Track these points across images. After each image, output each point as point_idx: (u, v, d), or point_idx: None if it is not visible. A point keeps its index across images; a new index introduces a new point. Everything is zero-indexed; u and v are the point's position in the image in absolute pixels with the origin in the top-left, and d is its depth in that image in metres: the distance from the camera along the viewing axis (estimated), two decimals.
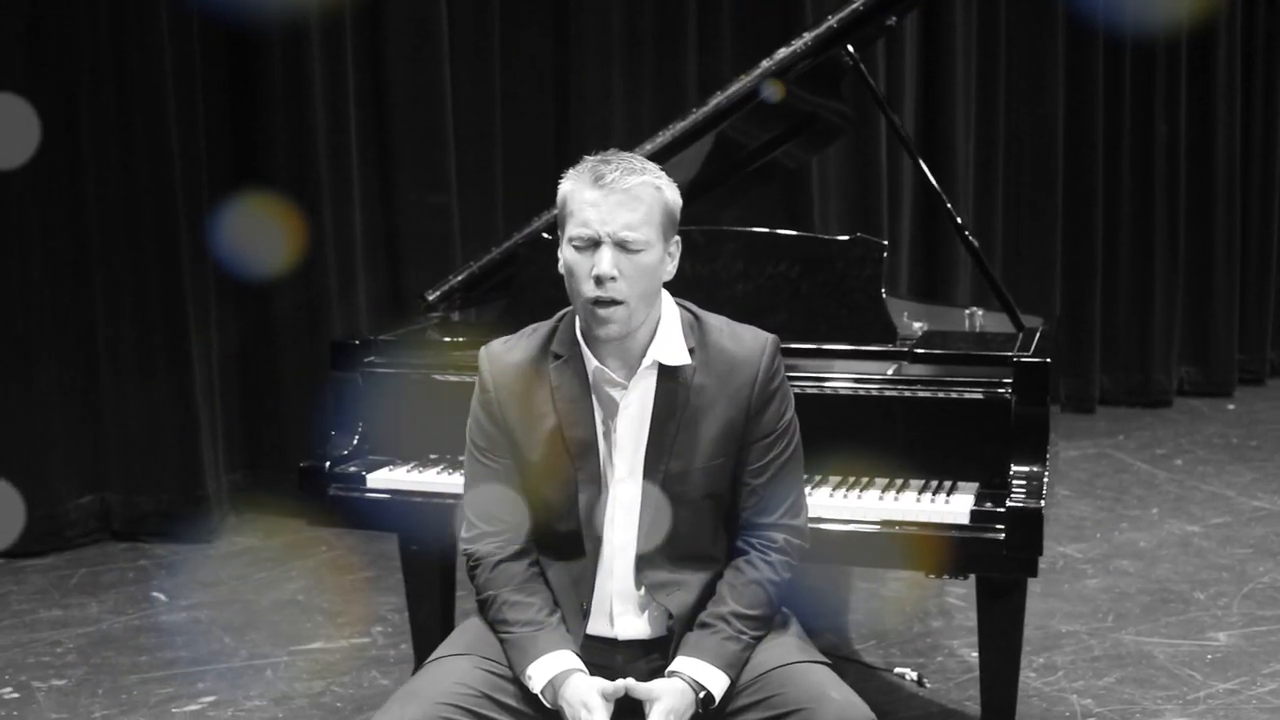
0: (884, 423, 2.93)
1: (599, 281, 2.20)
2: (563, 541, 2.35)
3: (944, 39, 6.56)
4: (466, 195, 5.64)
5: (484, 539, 2.37)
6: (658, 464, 2.30)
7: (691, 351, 2.32)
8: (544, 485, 2.33)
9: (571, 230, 2.24)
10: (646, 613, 2.34)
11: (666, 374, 2.31)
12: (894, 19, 3.54)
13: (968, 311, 3.55)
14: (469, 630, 2.38)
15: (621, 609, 2.34)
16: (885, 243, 3.11)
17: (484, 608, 2.36)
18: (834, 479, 2.92)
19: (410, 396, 3.16)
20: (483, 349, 2.41)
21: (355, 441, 3.20)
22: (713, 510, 2.34)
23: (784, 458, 2.34)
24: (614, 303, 2.21)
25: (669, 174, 2.31)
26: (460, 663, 2.27)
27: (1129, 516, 5.30)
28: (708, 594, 2.32)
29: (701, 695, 2.21)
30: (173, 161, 5.00)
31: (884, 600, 4.35)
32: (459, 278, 3.65)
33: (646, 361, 2.30)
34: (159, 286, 5.07)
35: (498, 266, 3.62)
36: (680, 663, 2.23)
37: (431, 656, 2.33)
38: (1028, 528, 2.67)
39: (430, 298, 3.68)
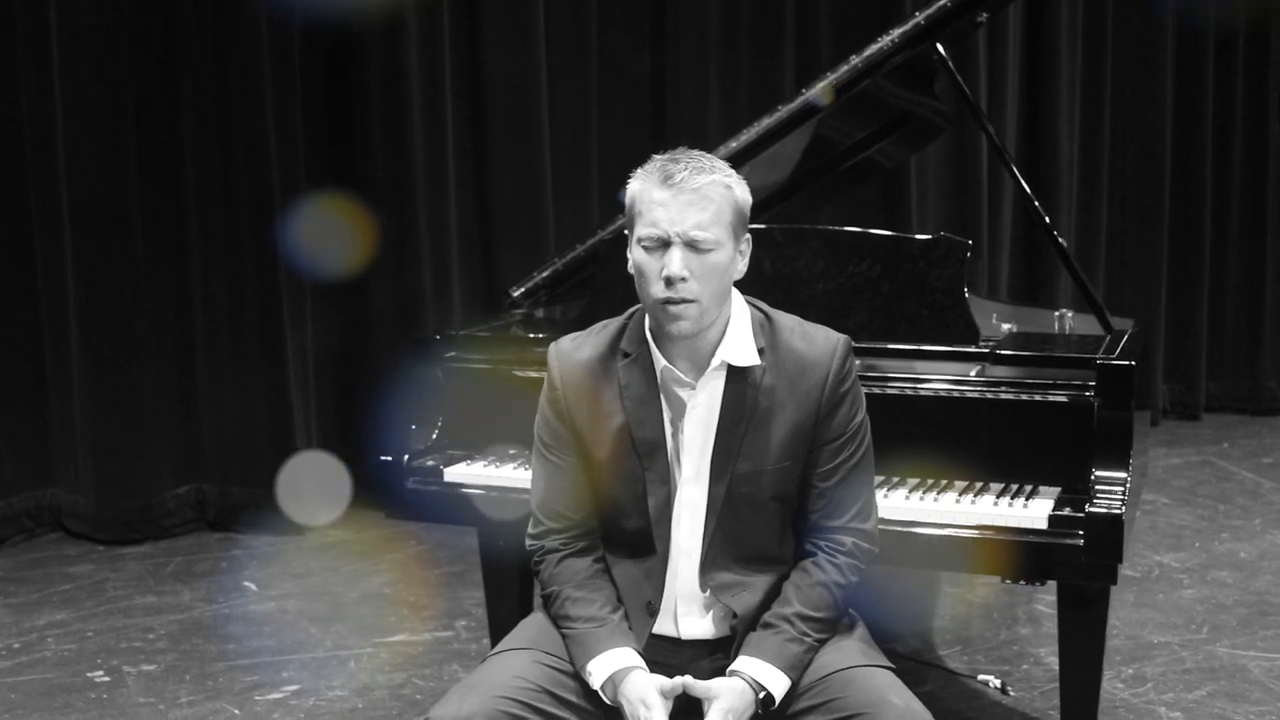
0: (965, 424, 2.88)
1: (669, 282, 2.18)
2: (629, 539, 2.34)
3: (1048, 37, 6.43)
4: (562, 195, 5.66)
5: (549, 535, 2.37)
6: (725, 466, 2.28)
7: (761, 352, 2.30)
8: (611, 484, 2.32)
9: (641, 230, 2.23)
10: (711, 613, 2.32)
11: (735, 375, 2.29)
12: (984, 15, 3.47)
13: (1057, 313, 3.47)
14: (532, 625, 2.38)
15: (686, 609, 2.32)
16: (969, 242, 3.06)
17: (548, 603, 2.36)
18: (912, 481, 2.89)
19: (488, 391, 3.18)
20: (552, 346, 2.41)
21: (434, 436, 3.23)
22: (780, 512, 2.31)
23: (854, 461, 2.31)
24: (685, 301, 2.19)
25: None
26: (521, 657, 2.27)
27: (1230, 526, 5.15)
28: (773, 595, 2.29)
29: (761, 696, 2.18)
30: (270, 161, 5.09)
31: (971, 606, 4.28)
32: (543, 274, 3.66)
33: (715, 362, 2.28)
34: (255, 284, 5.16)
35: (582, 264, 3.62)
36: (742, 662, 2.21)
37: (494, 650, 2.34)
38: (1107, 534, 2.60)
39: (515, 294, 3.69)
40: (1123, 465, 2.71)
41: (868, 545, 2.32)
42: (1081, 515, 2.63)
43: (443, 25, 5.33)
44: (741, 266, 2.30)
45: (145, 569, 4.83)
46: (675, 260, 2.18)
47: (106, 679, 3.85)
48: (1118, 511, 2.61)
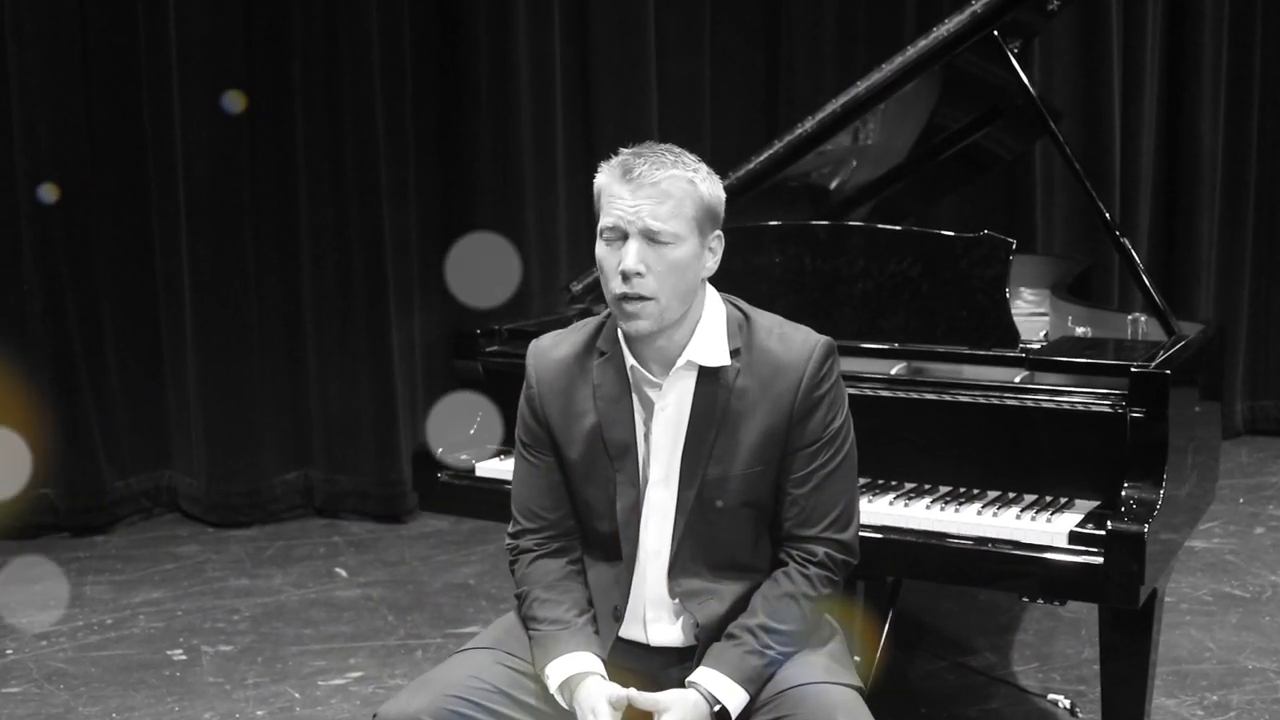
0: (999, 432, 2.75)
1: (625, 277, 2.13)
2: (602, 542, 2.29)
3: (1191, 27, 6.08)
4: None
5: (524, 535, 2.34)
6: (695, 469, 2.21)
7: (736, 353, 2.23)
8: (584, 485, 2.28)
9: (601, 223, 2.18)
10: (681, 620, 2.25)
11: (707, 375, 2.22)
12: (1055, 3, 3.31)
13: (1130, 317, 3.29)
14: (501, 625, 2.36)
15: (655, 615, 2.26)
16: (1013, 241, 2.91)
17: (519, 603, 2.33)
18: (944, 489, 2.77)
19: None
20: (532, 343, 2.38)
21: (472, 430, 3.23)
22: (752, 519, 2.23)
23: (829, 468, 2.21)
24: (642, 299, 2.14)
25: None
26: (482, 656, 2.25)
27: None
28: (742, 605, 2.22)
29: (716, 709, 2.11)
30: (378, 156, 5.17)
31: (1059, 621, 4.09)
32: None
33: (681, 361, 2.21)
34: (363, 274, 5.26)
35: None
36: (699, 674, 2.15)
37: (461, 648, 2.32)
38: (1126, 553, 2.44)
39: (575, 289, 3.67)
40: (1155, 480, 2.55)
41: (843, 556, 2.23)
42: (1102, 533, 2.48)
43: (553, 19, 5.34)
44: (711, 264, 2.23)
45: (246, 551, 4.97)
46: (630, 254, 2.13)
47: (184, 658, 3.98)
48: (1138, 530, 2.44)
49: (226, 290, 5.19)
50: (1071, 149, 3.20)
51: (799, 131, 3.37)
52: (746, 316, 2.27)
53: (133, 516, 5.31)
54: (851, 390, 2.82)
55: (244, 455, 5.27)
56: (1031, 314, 3.84)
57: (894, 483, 2.82)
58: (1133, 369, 2.60)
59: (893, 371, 2.91)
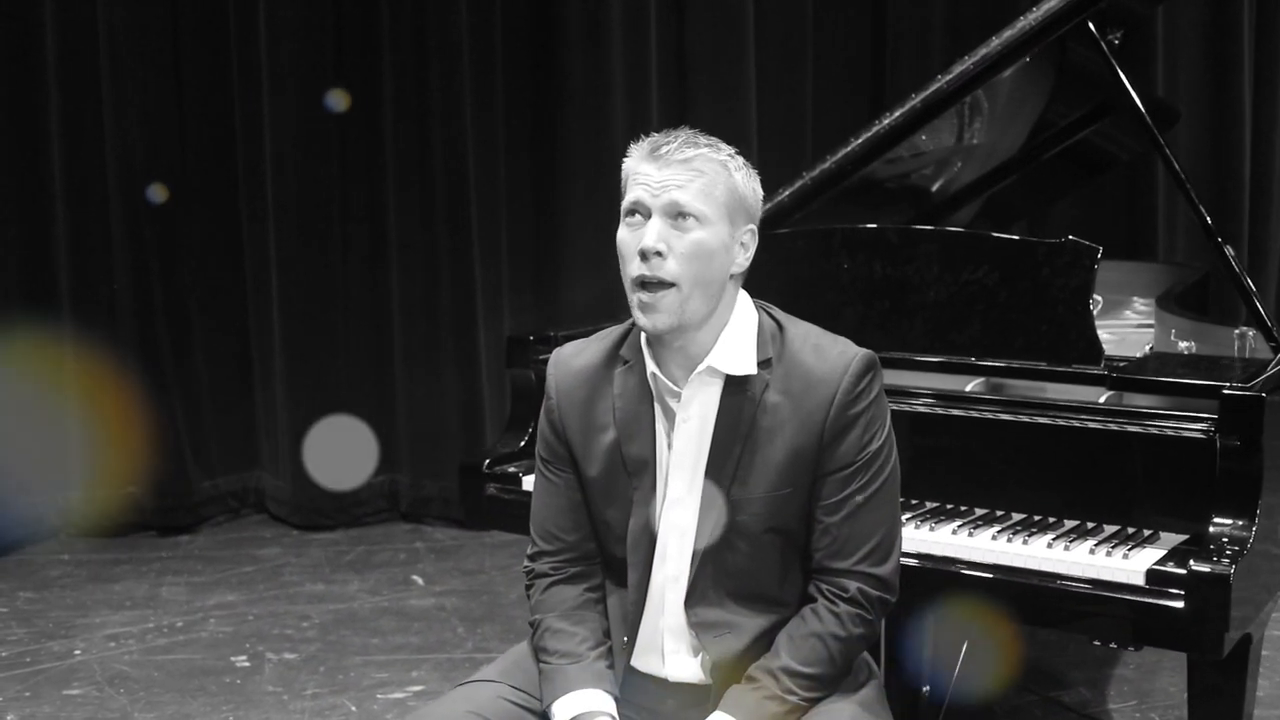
0: (1078, 456, 2.52)
1: (644, 257, 1.96)
2: (622, 566, 2.12)
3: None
4: (770, 195, 5.40)
5: (541, 558, 2.18)
6: (718, 488, 2.03)
7: (767, 363, 2.04)
8: (604, 504, 2.12)
9: (624, 203, 2.02)
10: (702, 654, 2.07)
11: (733, 386, 2.03)
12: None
13: (1238, 332, 3.01)
14: (511, 655, 2.20)
15: (674, 647, 2.08)
16: (1099, 248, 2.67)
17: (532, 632, 2.17)
18: (1018, 517, 2.55)
19: None
20: (554, 351, 2.22)
21: (524, 442, 3.09)
22: (778, 547, 2.04)
23: (864, 495, 2.01)
24: (661, 285, 1.96)
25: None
26: (484, 690, 2.09)
27: None
28: (766, 643, 2.03)
29: None
30: (467, 156, 5.07)
31: (1163, 655, 3.79)
32: None
33: (702, 367, 2.03)
34: (450, 279, 5.17)
35: None
36: (712, 719, 1.96)
37: (465, 680, 2.17)
38: (1209, 596, 2.20)
39: None
40: (1248, 514, 2.30)
41: (878, 593, 2.02)
42: (1183, 572, 2.24)
43: (649, 13, 5.18)
44: (742, 260, 2.04)
45: (326, 556, 4.90)
46: (651, 231, 1.97)
47: (247, 664, 3.91)
48: (1223, 571, 2.20)
49: (314, 291, 5.14)
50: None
51: (876, 129, 3.16)
52: (780, 325, 2.08)
53: (219, 517, 5.30)
54: (915, 408, 2.66)
55: (329, 458, 5.20)
56: (1140, 325, 3.59)
57: (962, 509, 2.61)
58: (1225, 390, 2.34)
59: (968, 388, 2.70)
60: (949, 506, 2.63)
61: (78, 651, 4.01)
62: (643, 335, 2.08)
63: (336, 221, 5.14)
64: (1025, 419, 2.57)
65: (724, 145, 2.03)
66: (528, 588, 2.20)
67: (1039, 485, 2.56)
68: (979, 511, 2.61)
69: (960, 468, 2.64)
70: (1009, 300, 2.73)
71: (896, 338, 2.82)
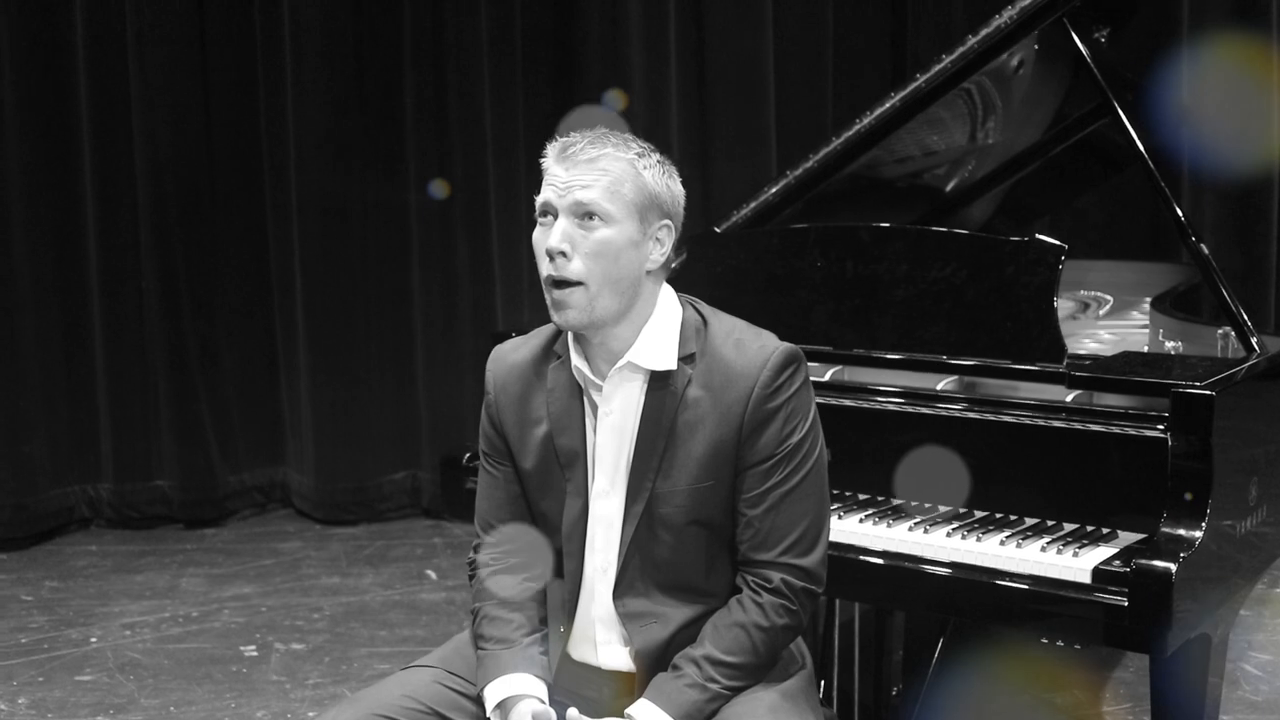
0: (1037, 455, 2.52)
1: (551, 257, 2.00)
2: (560, 557, 2.16)
3: None
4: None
5: (483, 549, 2.22)
6: (642, 481, 2.05)
7: (690, 358, 2.06)
8: (539, 496, 2.15)
9: (537, 204, 2.06)
10: (633, 642, 2.10)
11: (657, 382, 2.06)
12: None
13: (1220, 331, 2.99)
14: (451, 643, 2.24)
15: (606, 637, 2.11)
16: (1064, 246, 2.66)
17: (471, 619, 2.21)
18: (980, 514, 2.56)
19: None
20: (495, 348, 2.26)
21: None
22: (702, 539, 2.06)
23: (786, 487, 2.03)
24: (568, 283, 2.00)
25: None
26: (421, 675, 2.14)
27: None
28: (693, 634, 2.06)
29: None
30: (486, 158, 5.14)
31: None
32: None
33: (622, 362, 2.06)
34: (469, 276, 5.23)
35: None
36: (636, 707, 1.99)
37: (405, 665, 2.21)
38: (1150, 593, 2.19)
39: None
40: (1197, 514, 2.29)
41: (802, 584, 2.04)
42: (1127, 570, 2.24)
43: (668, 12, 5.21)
44: (657, 256, 2.06)
45: (345, 550, 4.98)
46: (556, 231, 2.00)
47: (255, 654, 3.99)
48: (1165, 568, 2.19)
49: (338, 289, 5.22)
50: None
51: (856, 127, 3.18)
52: (705, 320, 2.10)
53: (245, 511, 5.40)
54: (879, 405, 2.67)
55: (353, 454, 5.29)
56: (1144, 325, 3.57)
57: (925, 505, 2.62)
58: (1175, 389, 2.33)
59: (939, 386, 2.70)
60: (913, 504, 2.64)
61: (94, 639, 4.11)
62: (569, 332, 2.11)
63: (358, 221, 5.21)
64: (990, 417, 2.57)
65: (636, 144, 2.04)
66: (470, 577, 2.24)
67: (1002, 482, 2.56)
68: (942, 509, 2.61)
69: (926, 465, 2.64)
70: (975, 298, 2.73)
71: (866, 335, 2.83)
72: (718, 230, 3.18)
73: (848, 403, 2.72)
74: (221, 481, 5.29)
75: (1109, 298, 3.86)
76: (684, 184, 2.12)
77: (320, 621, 4.25)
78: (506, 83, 5.16)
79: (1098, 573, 2.28)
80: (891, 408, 2.67)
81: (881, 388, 2.71)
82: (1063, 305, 3.57)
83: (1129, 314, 3.72)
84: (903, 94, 3.13)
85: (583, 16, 5.17)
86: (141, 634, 4.15)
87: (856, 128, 3.19)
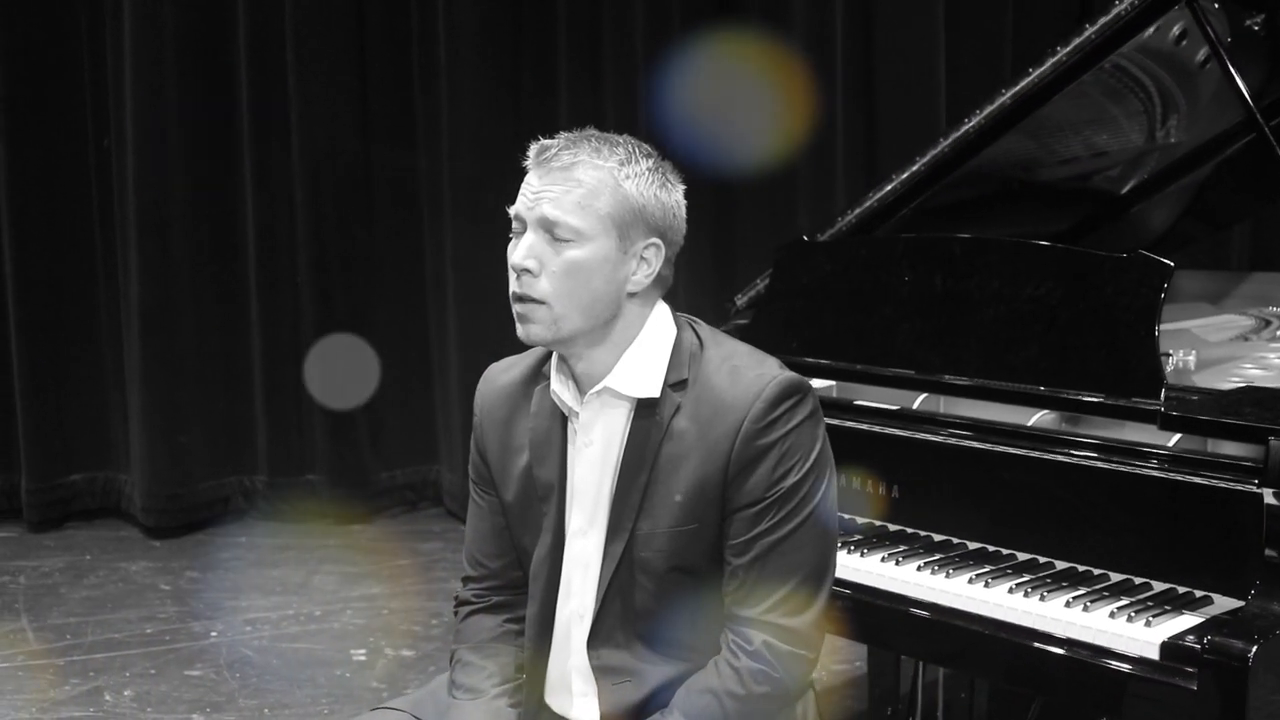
0: (1120, 503, 2.21)
1: (516, 274, 1.81)
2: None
3: None
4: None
5: (468, 584, 2.06)
6: (622, 519, 1.85)
7: (682, 384, 1.84)
8: (519, 530, 1.97)
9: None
10: (602, 703, 1.90)
11: (644, 410, 1.85)
12: None
13: None
14: (429, 686, 2.08)
15: (582, 688, 1.92)
16: (1171, 264, 2.32)
17: (449, 663, 2.05)
18: (1061, 566, 2.26)
19: None
20: (489, 367, 2.09)
21: None
22: (686, 587, 1.84)
23: (776, 535, 1.79)
24: (532, 301, 1.80)
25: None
26: (389, 717, 1.98)
27: None
28: (669, 695, 1.84)
29: None
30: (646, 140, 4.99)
31: None
32: (763, 283, 3.26)
33: (598, 388, 1.86)
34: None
35: None
36: None
37: (376, 705, 2.07)
38: (1219, 680, 1.87)
39: (740, 302, 3.32)
40: None
41: (788, 648, 1.79)
42: (1198, 647, 1.91)
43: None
44: (640, 276, 1.84)
45: None
46: (522, 246, 1.81)
47: (363, 658, 3.94)
48: (1242, 649, 1.86)
49: (486, 288, 5.14)
50: None
51: (965, 128, 2.88)
52: (702, 343, 1.88)
53: (396, 509, 5.40)
54: (950, 439, 2.39)
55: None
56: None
57: (1004, 553, 2.33)
58: (1271, 437, 1.99)
59: (1030, 422, 2.40)
60: (989, 549, 2.35)
61: (214, 633, 4.14)
62: (554, 353, 1.92)
63: (503, 218, 5.12)
64: (1075, 459, 2.27)
65: (623, 148, 1.82)
66: (455, 614, 2.08)
67: (1083, 534, 2.25)
68: (1022, 558, 2.32)
69: (1000, 508, 2.36)
70: (1069, 321, 2.41)
71: (951, 358, 2.55)
72: (806, 239, 2.93)
73: (916, 434, 2.45)
74: (373, 478, 5.30)
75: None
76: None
77: (437, 628, 4.17)
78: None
79: (1167, 648, 1.96)
80: (963, 443, 2.39)
81: (952, 419, 2.43)
82: (1236, 323, 3.20)
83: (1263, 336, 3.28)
84: (1013, 90, 2.81)
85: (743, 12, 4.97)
86: (261, 630, 4.16)
87: (965, 127, 2.89)
